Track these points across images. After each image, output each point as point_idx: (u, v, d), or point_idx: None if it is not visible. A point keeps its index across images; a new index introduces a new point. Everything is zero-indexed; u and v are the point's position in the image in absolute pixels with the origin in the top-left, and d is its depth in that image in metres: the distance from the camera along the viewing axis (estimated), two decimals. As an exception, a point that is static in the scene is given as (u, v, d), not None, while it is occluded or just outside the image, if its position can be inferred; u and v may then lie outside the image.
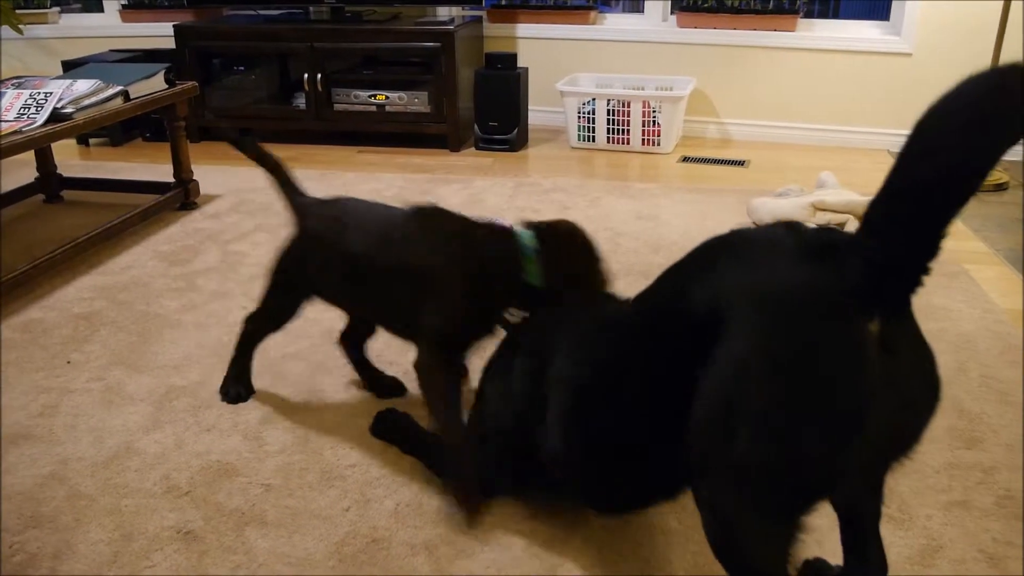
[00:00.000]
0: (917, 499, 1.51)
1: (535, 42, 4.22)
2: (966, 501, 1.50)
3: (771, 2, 4.12)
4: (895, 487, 1.54)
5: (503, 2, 4.40)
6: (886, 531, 1.42)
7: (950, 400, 1.81)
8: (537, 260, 1.50)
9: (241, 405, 1.81)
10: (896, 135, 3.89)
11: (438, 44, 3.73)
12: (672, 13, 4.13)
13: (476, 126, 3.88)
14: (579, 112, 3.86)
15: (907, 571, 1.34)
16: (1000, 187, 3.34)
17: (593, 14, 4.18)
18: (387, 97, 3.87)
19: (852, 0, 5.67)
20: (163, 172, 3.36)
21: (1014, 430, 1.71)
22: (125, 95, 2.67)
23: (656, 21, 4.12)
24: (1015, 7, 3.57)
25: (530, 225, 1.56)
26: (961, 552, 1.38)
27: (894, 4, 3.85)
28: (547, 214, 2.98)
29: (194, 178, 3.09)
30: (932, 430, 1.70)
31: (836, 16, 4.59)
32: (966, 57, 3.71)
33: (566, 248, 1.55)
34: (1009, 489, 1.53)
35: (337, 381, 1.90)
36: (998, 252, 2.66)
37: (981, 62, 3.72)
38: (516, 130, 3.84)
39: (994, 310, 2.25)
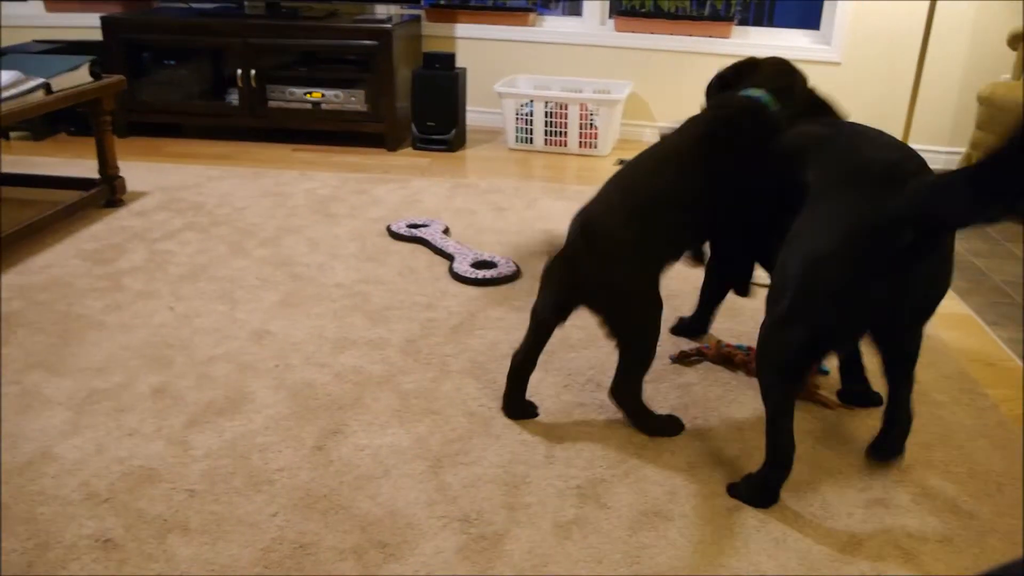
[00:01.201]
0: (839, 498, 1.55)
1: (474, 42, 4.21)
2: (885, 499, 1.55)
3: (707, 8, 4.20)
4: (818, 487, 1.57)
5: (442, 2, 4.38)
6: (809, 531, 1.45)
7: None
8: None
9: (165, 408, 1.76)
10: (825, 141, 3.99)
11: (375, 42, 3.70)
12: (610, 17, 4.17)
13: (414, 126, 3.86)
14: (517, 113, 3.87)
15: (828, 568, 1.38)
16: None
17: (532, 16, 4.19)
18: (323, 95, 3.82)
19: (786, 1, 5.80)
20: (88, 168, 3.26)
21: (930, 429, 1.77)
22: (47, 88, 2.58)
23: (594, 24, 4.16)
24: (938, 20, 3.69)
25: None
26: (879, 549, 1.42)
27: (824, 14, 3.95)
28: (484, 215, 2.98)
29: (120, 174, 3.00)
30: (855, 431, 1.75)
31: (770, 24, 4.69)
32: (891, 66, 3.83)
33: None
34: (924, 487, 1.58)
35: (266, 383, 1.87)
36: (919, 256, 2.75)
37: (906, 71, 3.88)
38: (454, 130, 3.83)
39: (915, 313, 2.32)
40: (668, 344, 2.08)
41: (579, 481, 1.57)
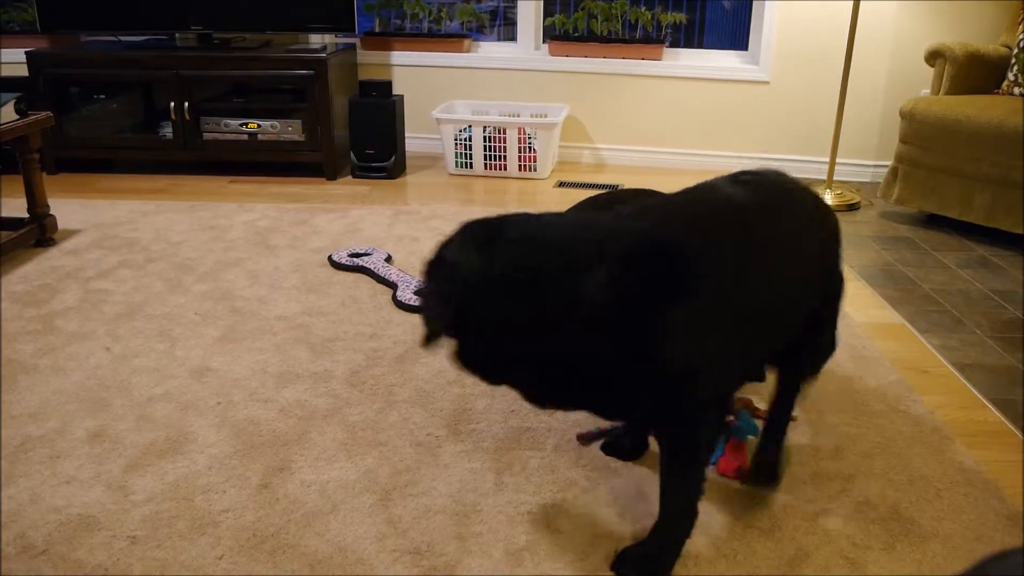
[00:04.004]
0: (785, 511, 1.57)
1: (410, 69, 4.22)
2: (829, 510, 1.58)
3: (638, 31, 4.28)
4: (765, 502, 1.60)
5: (376, 29, 4.39)
6: (757, 546, 1.47)
7: (813, 413, 1.91)
8: None
9: (104, 452, 1.71)
10: (756, 158, 4.09)
11: (311, 72, 3.68)
12: (544, 41, 4.22)
13: (352, 154, 3.84)
14: (456, 139, 3.88)
15: (777, 581, 1.40)
16: (852, 207, 3.55)
17: (467, 42, 4.22)
18: (259, 125, 3.78)
19: (717, 20, 5.95)
20: (16, 207, 3.18)
21: (869, 438, 1.81)
22: (-29, 126, 2.51)
23: (529, 49, 4.20)
24: (860, 39, 3.83)
25: None
26: (825, 559, 1.45)
27: (751, 35, 4.06)
28: (426, 242, 2.97)
29: (51, 213, 2.92)
30: (798, 443, 1.79)
31: (700, 46, 4.80)
32: (817, 84, 3.95)
33: None
34: (866, 496, 1.62)
35: (209, 421, 1.83)
36: (853, 269, 2.83)
37: (831, 88, 3.99)
38: (393, 157, 3.83)
39: (850, 324, 2.38)
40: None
41: (529, 507, 1.57)
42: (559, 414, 1.87)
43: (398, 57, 4.20)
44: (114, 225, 3.13)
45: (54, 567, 1.40)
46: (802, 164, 4.08)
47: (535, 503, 1.58)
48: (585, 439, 1.76)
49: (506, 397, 1.94)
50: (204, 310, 2.40)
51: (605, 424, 1.77)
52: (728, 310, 1.25)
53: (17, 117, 2.74)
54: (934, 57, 3.42)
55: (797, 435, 1.82)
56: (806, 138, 4.05)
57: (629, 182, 3.86)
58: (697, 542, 1.48)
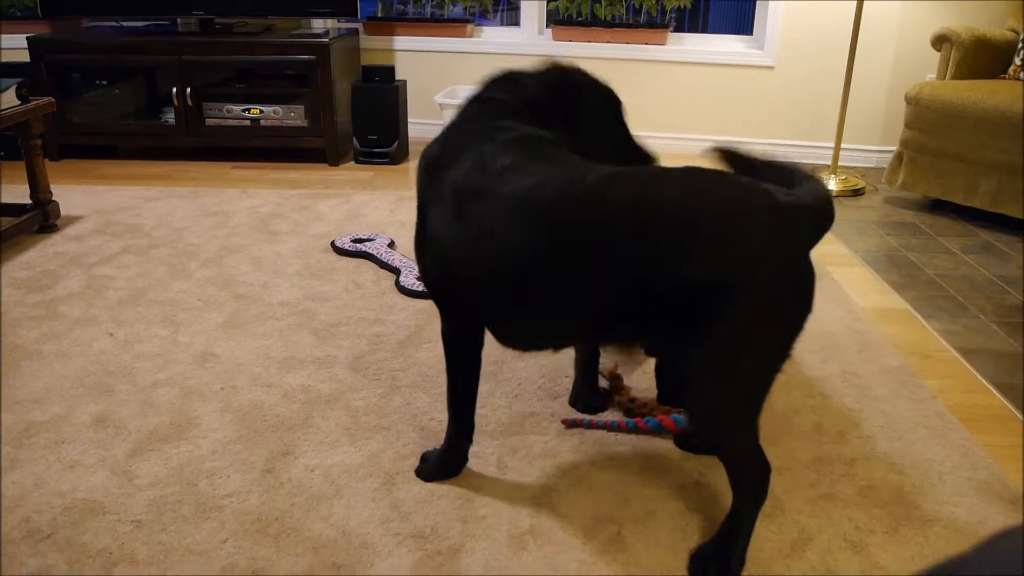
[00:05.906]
0: (788, 494, 1.57)
1: (413, 54, 4.21)
2: (832, 493, 1.58)
3: (643, 16, 4.25)
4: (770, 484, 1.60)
5: (379, 14, 4.37)
6: (760, 528, 1.47)
7: (817, 397, 1.91)
8: None
9: (108, 437, 1.72)
10: (761, 143, 4.08)
11: (313, 57, 3.67)
12: (548, 26, 4.20)
13: (355, 139, 3.83)
14: (459, 125, 3.87)
15: (779, 563, 1.40)
16: (857, 192, 3.54)
17: (470, 27, 4.20)
18: (261, 111, 3.77)
19: (721, 4, 5.92)
20: (19, 193, 3.18)
21: (873, 422, 1.81)
22: (-27, 112, 2.50)
23: (532, 34, 4.18)
24: (865, 23, 3.80)
25: None
26: (828, 542, 1.45)
27: (756, 20, 4.04)
28: (429, 228, 2.97)
29: (54, 199, 2.92)
30: (801, 427, 1.79)
31: (705, 30, 4.77)
32: (823, 69, 3.93)
33: None
34: (869, 480, 1.62)
35: (212, 406, 1.84)
36: (857, 254, 2.82)
37: (837, 73, 3.97)
38: (396, 143, 3.82)
39: (854, 309, 2.38)
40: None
41: (532, 491, 1.57)
42: (562, 399, 1.87)
43: (401, 42, 4.18)
44: (117, 211, 3.12)
45: (59, 551, 1.40)
46: (807, 149, 4.06)
47: (538, 487, 1.58)
48: (571, 424, 1.78)
49: (509, 381, 1.94)
50: (207, 296, 2.40)
51: (596, 417, 1.80)
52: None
53: (19, 103, 2.73)
54: (940, 42, 3.40)
55: (801, 419, 1.82)
56: (811, 123, 4.03)
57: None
58: (699, 525, 1.48)
